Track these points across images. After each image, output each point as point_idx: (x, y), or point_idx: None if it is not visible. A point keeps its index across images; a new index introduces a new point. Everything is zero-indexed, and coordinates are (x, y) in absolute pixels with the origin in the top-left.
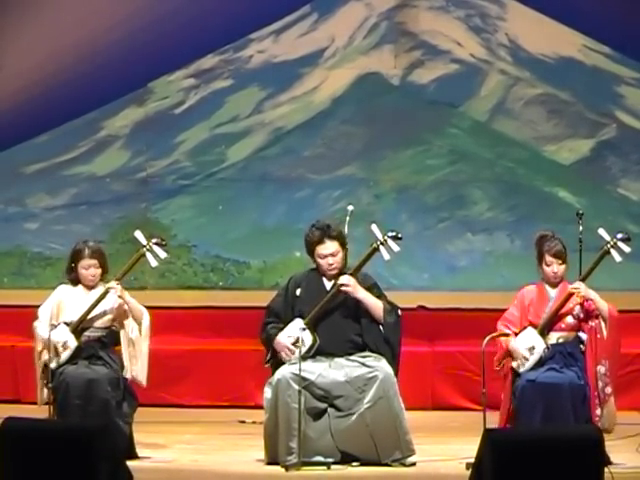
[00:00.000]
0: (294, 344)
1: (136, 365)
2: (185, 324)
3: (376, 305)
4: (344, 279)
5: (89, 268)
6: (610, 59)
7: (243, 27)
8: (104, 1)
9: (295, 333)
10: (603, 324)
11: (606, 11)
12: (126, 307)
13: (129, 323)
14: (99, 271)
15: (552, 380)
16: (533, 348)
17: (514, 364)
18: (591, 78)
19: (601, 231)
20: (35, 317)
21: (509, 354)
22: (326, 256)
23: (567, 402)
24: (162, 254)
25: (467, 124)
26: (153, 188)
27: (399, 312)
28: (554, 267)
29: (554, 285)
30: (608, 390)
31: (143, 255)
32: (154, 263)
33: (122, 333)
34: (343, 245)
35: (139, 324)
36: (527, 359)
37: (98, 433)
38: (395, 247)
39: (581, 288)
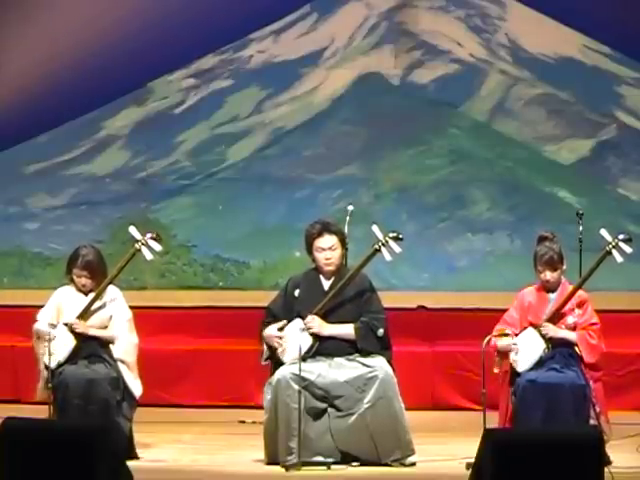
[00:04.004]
0: (280, 329)
1: (128, 378)
2: (185, 324)
3: (349, 335)
4: (308, 320)
5: (80, 277)
6: (610, 59)
7: (243, 27)
8: (104, 1)
9: (281, 323)
10: (578, 351)
11: (606, 11)
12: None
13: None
14: (90, 281)
15: (552, 380)
16: (516, 334)
17: (511, 359)
18: (591, 78)
19: (603, 232)
20: (34, 320)
21: (502, 354)
22: (324, 249)
23: (567, 402)
24: (157, 247)
25: (467, 124)
26: (153, 188)
27: (380, 331)
28: (546, 275)
29: (550, 290)
30: (597, 409)
31: (138, 250)
32: (149, 257)
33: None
34: (342, 242)
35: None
36: (516, 344)
37: (98, 433)
38: (396, 248)
39: (549, 330)
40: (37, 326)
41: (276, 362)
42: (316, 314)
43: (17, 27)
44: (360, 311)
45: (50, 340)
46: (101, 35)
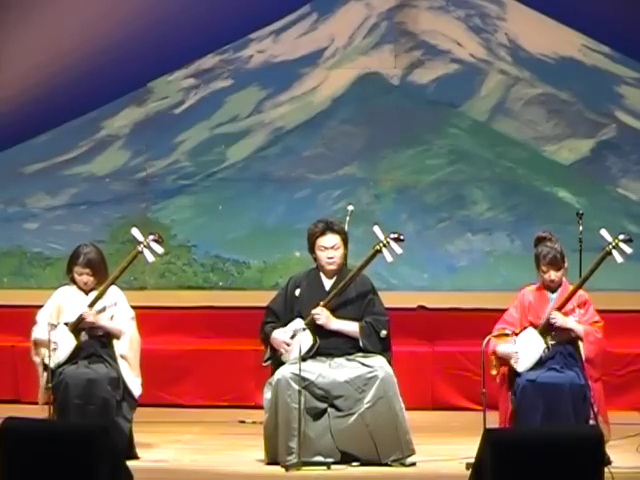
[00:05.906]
0: (291, 338)
1: (128, 377)
2: (185, 324)
3: (353, 332)
4: (317, 312)
5: (82, 275)
6: (610, 59)
7: (243, 27)
8: (105, 2)
9: (291, 327)
10: (581, 346)
11: (606, 11)
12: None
13: (116, 340)
14: (92, 279)
15: (552, 380)
16: (515, 334)
17: (513, 364)
18: (591, 78)
19: (603, 232)
20: (33, 322)
21: (501, 360)
22: (326, 248)
23: (567, 402)
24: (159, 250)
25: (467, 124)
26: (153, 188)
27: (384, 332)
28: (550, 274)
29: (552, 290)
30: (595, 409)
31: (140, 252)
32: (151, 259)
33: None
34: (344, 242)
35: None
36: (517, 352)
37: (98, 433)
38: (397, 249)
39: (557, 318)
40: (36, 335)
41: (277, 362)
42: (324, 306)
43: (17, 28)
44: (362, 312)
45: (54, 348)
46: (101, 35)
